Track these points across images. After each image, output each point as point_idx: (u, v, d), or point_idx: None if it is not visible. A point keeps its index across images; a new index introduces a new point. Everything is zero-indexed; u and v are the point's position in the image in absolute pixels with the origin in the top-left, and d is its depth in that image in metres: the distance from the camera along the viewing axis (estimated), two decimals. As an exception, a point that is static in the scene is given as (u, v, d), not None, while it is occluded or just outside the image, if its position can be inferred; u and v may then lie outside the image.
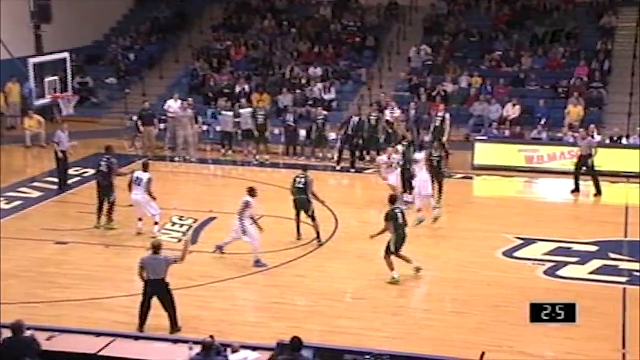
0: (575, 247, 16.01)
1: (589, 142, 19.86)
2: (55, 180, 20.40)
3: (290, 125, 23.95)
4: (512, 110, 24.99)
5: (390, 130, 22.66)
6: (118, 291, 13.59)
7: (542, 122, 24.26)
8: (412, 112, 24.07)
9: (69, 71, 22.09)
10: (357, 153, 22.68)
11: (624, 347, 11.84)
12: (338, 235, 16.75)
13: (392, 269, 14.07)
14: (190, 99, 24.61)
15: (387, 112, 23.60)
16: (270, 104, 26.42)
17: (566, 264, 15.13)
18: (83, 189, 19.81)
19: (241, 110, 23.76)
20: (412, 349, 11.25)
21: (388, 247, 14.10)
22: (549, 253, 15.69)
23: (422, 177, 17.36)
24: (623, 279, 14.42)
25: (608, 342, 11.98)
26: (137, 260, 12.18)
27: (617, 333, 12.22)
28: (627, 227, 17.21)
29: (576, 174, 20.04)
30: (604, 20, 28.41)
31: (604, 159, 20.74)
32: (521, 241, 16.26)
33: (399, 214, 14.18)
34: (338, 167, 22.41)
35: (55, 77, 21.35)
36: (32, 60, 21.17)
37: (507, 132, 24.33)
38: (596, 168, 19.99)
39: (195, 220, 17.47)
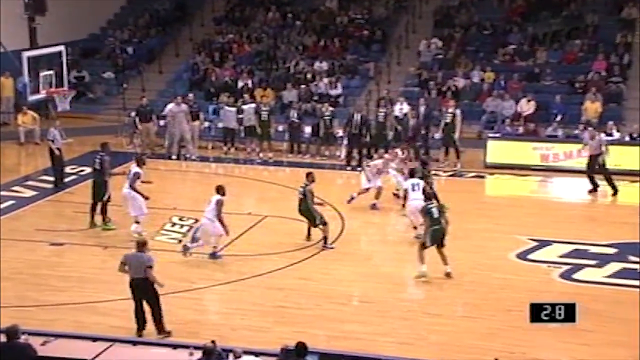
0: (593, 249, 15.81)
1: (599, 141, 19.66)
2: (50, 178, 20.24)
3: (295, 122, 23.65)
4: (526, 107, 24.61)
5: (399, 127, 22.46)
6: (115, 294, 13.20)
7: (558, 118, 23.96)
8: (422, 108, 23.60)
9: (64, 65, 22.14)
10: (365, 151, 22.31)
11: (643, 354, 11.60)
12: (344, 237, 16.49)
13: (422, 262, 14.04)
14: (191, 95, 24.50)
15: (396, 107, 23.30)
16: (275, 99, 26.10)
17: (583, 266, 14.97)
18: (79, 188, 19.63)
19: (244, 107, 23.63)
20: (422, 354, 11.33)
21: (424, 242, 14.21)
22: (565, 255, 15.51)
23: (414, 204, 16.12)
24: (643, 283, 14.22)
25: (626, 349, 11.71)
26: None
27: (636, 339, 11.77)
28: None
29: (589, 174, 19.81)
30: (624, 12, 27.96)
31: (623, 157, 20.56)
32: (536, 243, 16.07)
33: (434, 210, 14.23)
34: (349, 168, 22.07)
35: (51, 72, 21.54)
36: (26, 54, 21.53)
37: (521, 129, 23.97)
38: (615, 167, 19.78)
39: (196, 221, 17.08)
